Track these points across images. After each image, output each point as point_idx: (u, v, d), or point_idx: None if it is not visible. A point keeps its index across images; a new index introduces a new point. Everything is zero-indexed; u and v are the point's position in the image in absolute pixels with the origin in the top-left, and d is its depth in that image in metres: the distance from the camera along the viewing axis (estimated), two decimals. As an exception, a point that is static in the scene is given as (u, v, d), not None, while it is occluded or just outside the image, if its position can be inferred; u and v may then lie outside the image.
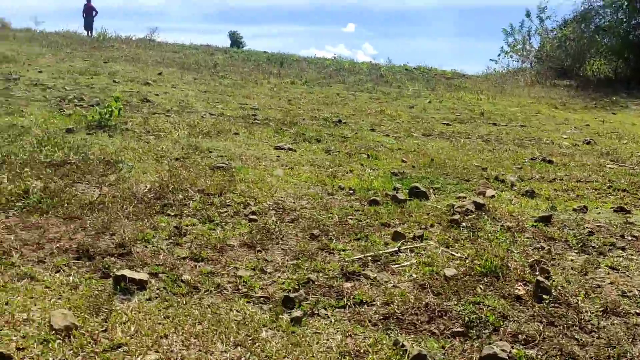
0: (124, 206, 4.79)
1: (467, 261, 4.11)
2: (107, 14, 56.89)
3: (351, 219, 4.99)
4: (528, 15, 28.83)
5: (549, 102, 18.63)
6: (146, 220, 4.57)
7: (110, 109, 8.12)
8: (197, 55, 22.58)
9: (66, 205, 4.65)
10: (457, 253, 4.29)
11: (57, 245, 3.95)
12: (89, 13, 25.51)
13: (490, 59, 29.90)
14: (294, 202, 5.35)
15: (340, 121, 10.88)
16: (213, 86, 15.05)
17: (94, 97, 10.71)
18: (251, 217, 4.85)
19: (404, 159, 7.62)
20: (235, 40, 38.67)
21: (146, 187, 5.32)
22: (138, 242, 4.12)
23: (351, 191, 5.85)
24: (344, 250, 4.29)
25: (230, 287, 3.62)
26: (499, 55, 29.78)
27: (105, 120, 8.04)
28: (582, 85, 24.22)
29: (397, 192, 5.67)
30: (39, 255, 3.79)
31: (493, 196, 5.89)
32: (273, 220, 4.81)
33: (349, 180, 6.31)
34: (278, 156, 7.28)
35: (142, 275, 3.53)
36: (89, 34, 25.30)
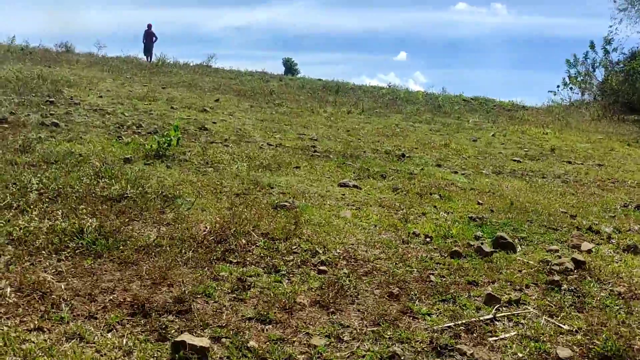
0: (183, 250, 4.37)
1: (579, 337, 3.46)
2: (166, 41, 58.55)
3: (433, 274, 4.41)
4: (592, 46, 27.76)
5: (620, 139, 17.56)
6: (207, 268, 4.13)
7: (168, 139, 7.85)
8: (253, 82, 22.56)
9: (122, 247, 4.27)
10: (564, 325, 3.65)
11: (111, 297, 3.54)
12: (149, 39, 26.02)
13: (549, 91, 28.89)
14: (366, 251, 4.81)
15: (404, 155, 10.34)
16: (269, 114, 14.79)
17: (152, 124, 10.54)
18: (320, 267, 4.35)
19: (480, 201, 6.99)
20: (290, 67, 38.87)
21: (206, 228, 4.90)
22: (198, 296, 3.66)
23: (428, 239, 5.28)
24: (429, 315, 3.72)
25: (303, 358, 3.10)
26: (558, 87, 28.76)
27: (163, 149, 7.76)
28: (654, 121, 22.98)
29: (481, 243, 5.06)
30: (90, 309, 3.38)
31: (590, 251, 5.20)
32: (345, 273, 4.29)
33: (423, 225, 5.74)
34: (343, 194, 6.78)
35: (203, 342, 3.05)
36: (149, 59, 25.76)
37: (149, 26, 26.16)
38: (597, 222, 6.33)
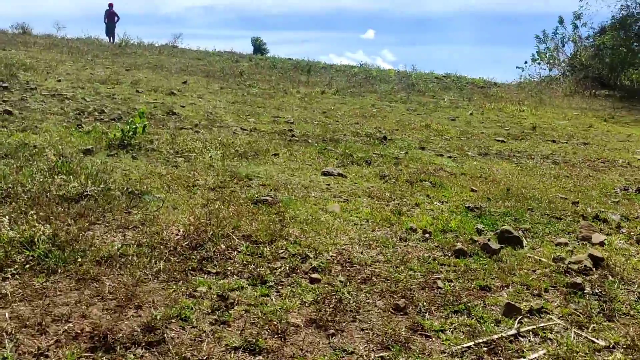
0: (153, 260, 3.77)
1: (619, 355, 3.00)
2: (129, 20, 56.49)
3: (439, 278, 3.91)
4: (561, 21, 27.56)
5: (595, 115, 17.41)
6: (181, 282, 3.54)
7: (134, 126, 7.15)
8: (222, 63, 21.69)
9: (80, 260, 3.64)
10: (597, 339, 3.18)
11: (66, 326, 2.93)
12: (110, 19, 24.79)
13: (517, 67, 28.65)
14: (361, 252, 4.28)
15: (385, 138, 9.82)
16: (241, 96, 14.08)
17: (115, 110, 9.78)
18: (313, 275, 3.80)
19: (474, 188, 6.52)
20: (258, 47, 37.82)
21: (179, 231, 4.30)
22: (172, 320, 3.08)
23: (426, 234, 4.77)
24: (443, 332, 3.21)
25: (302, 398, 2.57)
26: (526, 62, 28.62)
27: (128, 138, 7.07)
28: (625, 96, 22.95)
29: (488, 240, 4.56)
30: (40, 344, 2.77)
31: (603, 243, 4.77)
32: (341, 282, 3.76)
33: (419, 218, 5.24)
34: (328, 184, 6.23)
35: (181, 385, 2.49)
36: (111, 40, 24.58)
37: (110, 5, 24.90)
38: (602, 209, 5.91)
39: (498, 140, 10.81)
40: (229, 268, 3.80)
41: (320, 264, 3.97)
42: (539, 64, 29.04)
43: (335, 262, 4.06)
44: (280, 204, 5.24)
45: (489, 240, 4.52)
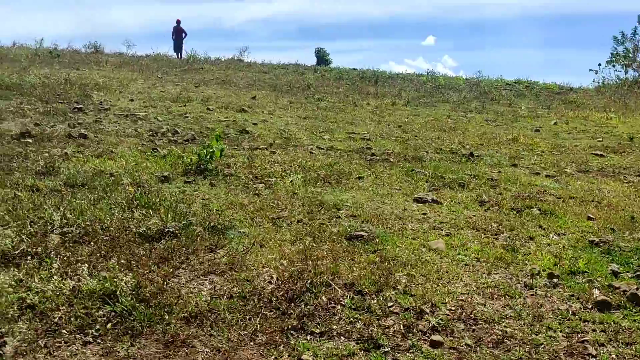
0: (246, 316, 3.28)
1: None
2: (195, 36, 57.71)
3: (586, 340, 3.23)
4: (641, 21, 25.73)
5: (694, 121, 15.92)
6: (282, 346, 3.03)
7: (210, 150, 6.77)
8: (288, 76, 21.44)
9: (166, 317, 3.19)
10: None
11: (157, 412, 2.47)
12: (178, 35, 25.06)
13: (590, 69, 26.83)
14: (484, 304, 3.65)
15: (472, 154, 9.10)
16: (311, 111, 13.66)
17: (188, 130, 9.52)
18: (433, 337, 3.20)
19: (590, 215, 5.73)
20: (322, 57, 37.60)
21: (271, 277, 3.80)
22: (280, 404, 2.56)
23: (554, 279, 4.08)
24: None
25: None
26: (600, 65, 26.79)
27: (205, 163, 6.71)
28: None
29: (636, 288, 3.82)
30: None
31: None
32: (469, 346, 3.14)
33: (537, 256, 4.54)
34: (424, 213, 5.61)
35: None
36: (179, 56, 24.83)
37: (178, 22, 25.20)
38: None
39: (596, 154, 9.85)
40: (334, 327, 3.25)
41: (440, 322, 3.36)
42: (614, 66, 27.23)
43: (456, 318, 3.44)
44: (377, 239, 4.67)
45: (637, 288, 3.78)
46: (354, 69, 26.39)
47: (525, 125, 14.05)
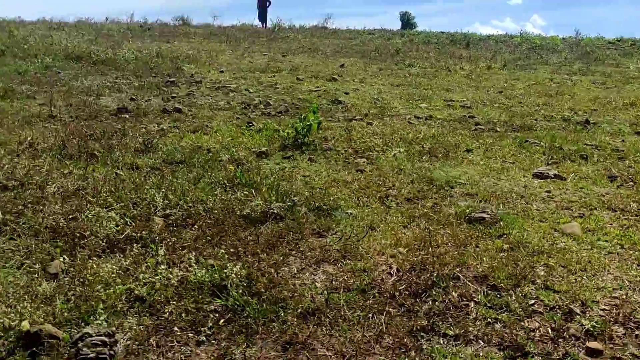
0: (369, 314, 2.94)
1: None
2: (278, 4, 57.41)
3: None
4: None
5: None
6: (414, 352, 2.66)
7: (307, 123, 6.45)
8: (375, 41, 20.76)
9: (281, 314, 2.91)
10: None
11: None
12: (262, 4, 24.83)
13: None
14: (643, 305, 3.10)
15: (587, 122, 8.26)
16: (403, 77, 13.06)
17: (280, 101, 9.26)
18: (590, 345, 2.72)
19: None
20: (407, 21, 36.27)
21: (390, 268, 3.43)
22: None
23: None
24: None
25: None
26: None
27: (302, 137, 6.40)
28: None
29: None
30: None
31: None
32: (635, 357, 2.64)
33: (696, 243, 3.89)
34: (548, 191, 5.03)
35: None
36: (264, 25, 24.65)
37: (262, -10, 24.98)
38: None
39: None
40: (469, 329, 2.84)
41: (594, 325, 2.86)
42: None
43: (613, 320, 2.93)
44: (501, 222, 4.18)
45: None
46: (442, 32, 25.20)
47: (639, 87, 12.78)
